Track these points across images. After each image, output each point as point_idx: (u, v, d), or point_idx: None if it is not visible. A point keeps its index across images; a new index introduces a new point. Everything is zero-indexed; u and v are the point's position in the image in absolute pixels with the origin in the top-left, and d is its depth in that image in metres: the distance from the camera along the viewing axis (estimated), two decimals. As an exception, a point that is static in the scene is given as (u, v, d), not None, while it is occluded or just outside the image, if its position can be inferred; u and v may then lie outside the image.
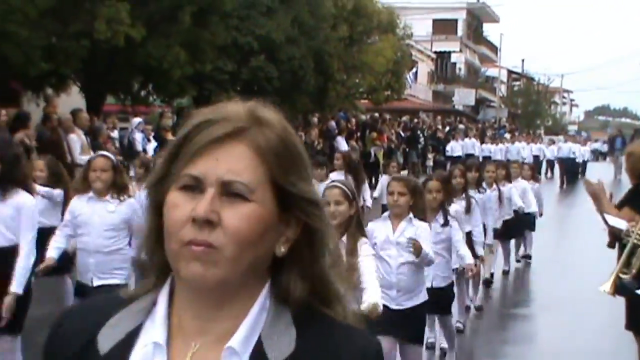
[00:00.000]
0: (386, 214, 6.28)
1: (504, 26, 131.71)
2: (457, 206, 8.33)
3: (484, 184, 10.39)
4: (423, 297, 6.24)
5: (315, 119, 25.08)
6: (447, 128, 39.31)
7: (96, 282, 6.48)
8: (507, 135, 40.50)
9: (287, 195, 1.42)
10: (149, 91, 19.25)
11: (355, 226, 5.21)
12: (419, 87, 53.98)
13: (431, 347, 8.03)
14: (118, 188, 6.53)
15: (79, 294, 6.75)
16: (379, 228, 6.18)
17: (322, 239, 1.46)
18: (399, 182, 6.26)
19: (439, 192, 7.31)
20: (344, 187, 5.23)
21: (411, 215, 6.10)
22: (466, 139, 34.26)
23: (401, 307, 6.08)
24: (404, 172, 31.39)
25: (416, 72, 49.10)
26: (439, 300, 7.21)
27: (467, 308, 9.91)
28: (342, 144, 25.45)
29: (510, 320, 10.61)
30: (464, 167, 9.86)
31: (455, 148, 33.63)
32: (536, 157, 36.99)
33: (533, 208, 13.04)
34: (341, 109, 29.35)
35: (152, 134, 17.46)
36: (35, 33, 14.22)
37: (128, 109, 20.18)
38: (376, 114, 33.31)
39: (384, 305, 5.69)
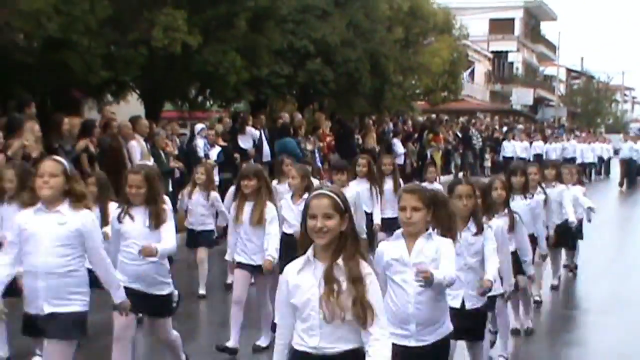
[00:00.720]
0: (399, 231, 5.20)
1: (562, 24, 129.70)
2: (499, 221, 7.07)
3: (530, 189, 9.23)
4: (447, 327, 5.26)
5: (370, 122, 25.00)
6: (505, 128, 38.97)
7: (48, 309, 5.50)
8: (565, 135, 39.87)
9: None
10: (206, 97, 19.42)
11: (351, 246, 4.13)
12: (476, 88, 53.58)
13: None
14: (72, 197, 5.59)
15: (27, 329, 5.85)
16: (390, 249, 5.17)
17: None
18: (412, 194, 5.10)
19: (470, 197, 6.24)
20: (334, 196, 4.14)
21: (430, 230, 5.14)
22: (517, 141, 33.83)
23: (422, 343, 5.12)
24: (460, 174, 31.30)
25: (472, 71, 48.75)
26: (471, 325, 6.21)
27: (516, 331, 9.01)
28: (398, 146, 25.41)
29: (573, 322, 10.47)
30: (508, 172, 9.02)
31: (507, 148, 33.35)
32: (599, 157, 36.48)
33: (584, 215, 12.23)
34: (397, 111, 29.27)
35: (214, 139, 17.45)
36: (95, 42, 14.45)
37: (185, 115, 20.38)
38: (433, 115, 33.19)
39: (400, 346, 4.96)
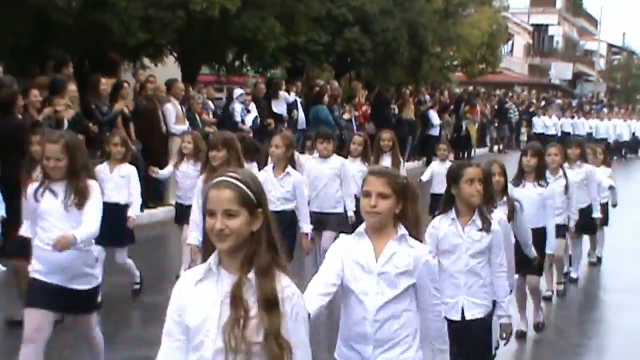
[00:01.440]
0: (361, 228, 4.04)
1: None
2: (500, 213, 5.82)
3: (547, 174, 8.19)
4: (416, 355, 3.99)
5: (408, 92, 24.89)
6: (543, 102, 38.65)
7: None
8: (605, 110, 39.26)
9: None
10: (243, 62, 19.42)
11: (267, 253, 3.00)
12: (515, 61, 53.08)
13: None
14: None
15: None
16: (354, 247, 4.00)
17: None
18: (379, 177, 3.95)
19: (481, 182, 5.19)
20: (242, 186, 3.00)
21: (404, 231, 3.97)
22: (546, 117, 33.17)
23: None
24: (495, 147, 31.10)
25: (512, 44, 48.25)
26: (471, 340, 5.13)
27: (521, 333, 8.00)
28: (434, 117, 25.30)
29: (599, 301, 10.50)
30: (520, 153, 8.05)
31: (537, 124, 32.67)
32: (634, 135, 35.96)
33: (610, 199, 11.56)
34: (434, 82, 29.13)
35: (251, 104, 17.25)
36: (133, 3, 14.51)
37: (222, 79, 20.41)
38: (470, 87, 32.96)
39: None
